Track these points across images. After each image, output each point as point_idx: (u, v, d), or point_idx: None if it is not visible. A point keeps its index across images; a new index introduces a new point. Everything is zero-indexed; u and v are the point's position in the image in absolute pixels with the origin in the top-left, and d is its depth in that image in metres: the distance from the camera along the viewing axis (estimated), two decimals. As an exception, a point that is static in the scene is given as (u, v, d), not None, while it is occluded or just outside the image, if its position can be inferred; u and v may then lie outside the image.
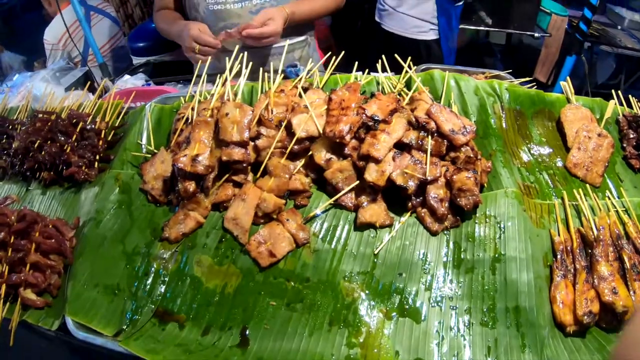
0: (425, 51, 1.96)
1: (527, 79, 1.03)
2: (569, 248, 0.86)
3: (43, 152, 1.11)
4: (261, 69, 1.00)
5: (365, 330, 0.79)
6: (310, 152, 0.88)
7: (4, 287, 0.98)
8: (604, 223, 0.87)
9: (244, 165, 0.89)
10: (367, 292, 0.81)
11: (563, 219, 0.89)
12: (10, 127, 1.24)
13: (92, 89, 1.36)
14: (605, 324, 0.84)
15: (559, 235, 0.87)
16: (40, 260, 0.99)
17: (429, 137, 0.87)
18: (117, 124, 1.14)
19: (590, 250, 0.86)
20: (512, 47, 2.86)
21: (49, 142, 1.14)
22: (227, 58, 1.00)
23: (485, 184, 0.88)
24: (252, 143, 0.90)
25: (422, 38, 1.98)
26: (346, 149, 0.86)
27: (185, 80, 1.43)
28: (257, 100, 0.95)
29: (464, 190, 0.83)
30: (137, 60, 1.75)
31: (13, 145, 1.18)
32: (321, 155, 0.87)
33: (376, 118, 0.87)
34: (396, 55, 1.02)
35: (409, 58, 1.02)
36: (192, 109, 0.97)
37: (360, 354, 0.77)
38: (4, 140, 1.23)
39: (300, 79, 0.97)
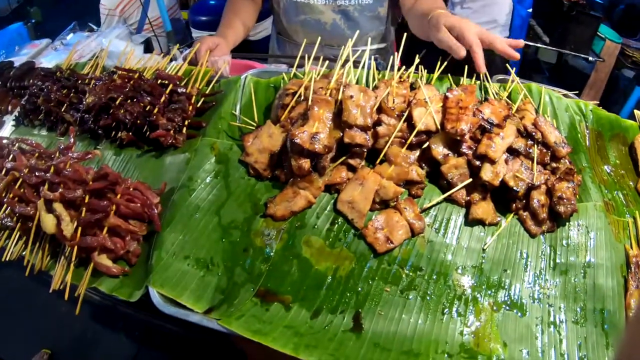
0: (489, 60, 1.92)
1: (595, 102, 1.07)
2: (639, 262, 0.91)
3: (123, 111, 0.98)
4: (374, 57, 0.95)
5: (476, 320, 0.77)
6: (427, 145, 0.85)
7: (75, 249, 0.85)
8: None
9: (364, 149, 0.83)
10: (476, 284, 0.80)
11: (635, 236, 0.93)
12: (81, 81, 1.08)
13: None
14: None
15: (632, 249, 0.91)
16: (121, 225, 0.87)
17: (536, 145, 0.87)
18: (207, 92, 1.03)
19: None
20: (562, 67, 2.74)
21: (130, 100, 1.00)
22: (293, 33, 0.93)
23: (578, 196, 0.90)
24: (373, 129, 0.85)
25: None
26: (463, 146, 0.84)
27: (254, 58, 1.33)
28: (376, 88, 0.89)
29: (563, 198, 0.84)
30: (196, 34, 1.60)
31: (85, 101, 1.03)
32: (438, 150, 0.84)
33: (492, 121, 0.85)
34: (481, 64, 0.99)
35: (512, 69, 1.00)
36: (306, 87, 0.89)
37: (472, 342, 0.75)
38: (72, 95, 1.06)
39: (410, 72, 0.93)
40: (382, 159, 0.85)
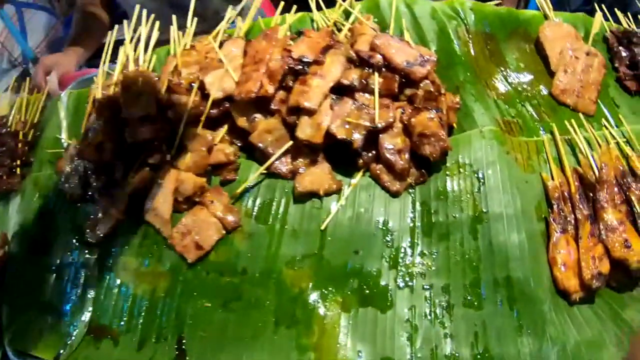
0: None
1: (495, 2, 0.73)
2: (566, 194, 0.59)
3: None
4: (172, 27, 0.71)
5: (319, 327, 0.53)
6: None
7: None
8: (606, 159, 0.59)
9: (156, 143, 0.62)
10: (316, 278, 0.55)
11: (555, 158, 0.61)
12: None
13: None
14: (616, 283, 0.57)
15: (552, 178, 0.59)
16: None
17: (376, 73, 0.58)
18: (36, 120, 0.88)
19: (592, 195, 0.58)
20: None
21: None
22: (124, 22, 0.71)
23: (455, 125, 0.60)
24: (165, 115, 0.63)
25: None
26: (272, 104, 0.59)
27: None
28: (165, 64, 0.67)
29: (427, 135, 0.55)
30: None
31: None
32: (244, 116, 0.60)
33: (305, 59, 0.59)
34: None
35: None
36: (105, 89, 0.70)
37: (314, 358, 0.52)
38: None
39: (218, 32, 0.68)
40: (181, 148, 0.63)
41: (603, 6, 0.81)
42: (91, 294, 0.64)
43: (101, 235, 0.65)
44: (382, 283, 0.54)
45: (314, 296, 0.55)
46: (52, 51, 1.58)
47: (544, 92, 0.66)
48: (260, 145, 0.59)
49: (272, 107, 0.59)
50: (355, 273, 0.55)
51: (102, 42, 1.13)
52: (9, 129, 0.84)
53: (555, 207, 0.57)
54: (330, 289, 0.55)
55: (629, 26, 0.81)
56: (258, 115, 0.59)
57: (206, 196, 0.59)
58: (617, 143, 0.63)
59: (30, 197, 0.77)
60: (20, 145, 0.83)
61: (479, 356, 0.50)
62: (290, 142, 0.58)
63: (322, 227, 0.56)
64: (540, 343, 0.51)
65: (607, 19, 0.80)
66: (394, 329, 0.52)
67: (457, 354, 0.50)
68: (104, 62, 0.72)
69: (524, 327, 0.51)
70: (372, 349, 0.51)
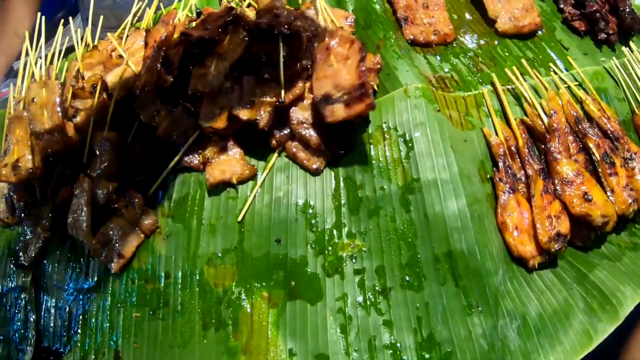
0: None
1: None
2: (513, 148, 0.46)
3: None
4: (74, 31, 0.62)
5: (247, 327, 0.44)
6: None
7: None
8: (555, 105, 0.46)
9: (65, 154, 0.54)
10: (239, 274, 0.45)
11: (498, 111, 0.49)
12: None
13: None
14: (580, 242, 0.45)
15: (496, 133, 0.47)
16: None
17: (281, 44, 0.47)
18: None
19: (543, 146, 0.46)
20: None
21: None
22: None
23: (377, 87, 0.48)
24: (71, 123, 0.54)
25: None
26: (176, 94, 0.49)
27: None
28: (68, 69, 0.58)
29: (330, 96, 0.44)
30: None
31: None
32: (147, 112, 0.50)
33: (203, 40, 0.48)
34: None
35: None
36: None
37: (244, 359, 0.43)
38: None
39: (126, 24, 0.59)
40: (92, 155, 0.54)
41: None
42: (32, 317, 0.57)
43: (32, 255, 0.57)
44: (309, 271, 0.44)
45: (238, 294, 0.45)
46: None
47: (482, 42, 0.53)
48: (170, 137, 0.49)
49: (178, 97, 0.49)
50: (279, 264, 0.44)
51: (23, 38, 0.99)
52: None
53: (500, 164, 0.45)
54: (254, 284, 0.45)
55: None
56: (159, 108, 0.50)
57: (120, 201, 0.50)
58: (569, 87, 0.50)
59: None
60: None
61: (423, 343, 0.40)
62: (197, 132, 0.48)
63: (239, 219, 0.46)
64: (495, 320, 0.39)
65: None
66: (326, 322, 0.41)
67: (398, 343, 0.40)
68: (22, 79, 0.64)
69: (473, 304, 0.40)
70: (304, 345, 0.41)
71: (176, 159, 0.48)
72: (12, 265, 0.61)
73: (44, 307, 0.56)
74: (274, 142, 0.47)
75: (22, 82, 0.64)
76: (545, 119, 0.45)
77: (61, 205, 0.55)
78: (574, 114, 0.45)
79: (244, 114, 0.45)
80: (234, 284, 0.45)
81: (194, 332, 0.46)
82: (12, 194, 0.57)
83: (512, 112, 0.48)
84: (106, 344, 0.51)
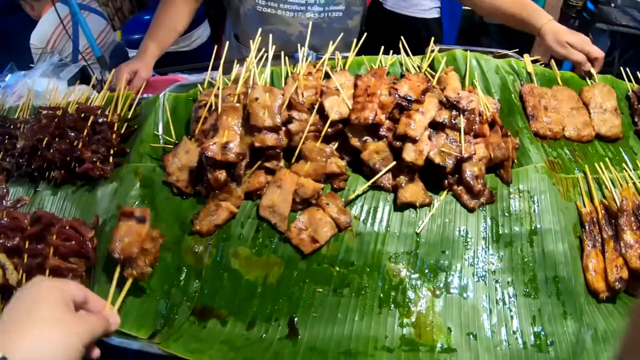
0: (426, 31, 1.90)
1: (537, 57, 1.01)
2: (594, 219, 0.85)
3: (52, 150, 0.98)
4: (282, 52, 0.92)
5: (416, 309, 0.75)
6: (344, 135, 0.81)
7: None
8: (626, 195, 0.88)
9: (277, 151, 0.82)
10: (413, 271, 0.78)
11: (587, 192, 0.89)
12: (12, 126, 1.10)
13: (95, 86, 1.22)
14: (632, 290, 0.84)
15: (584, 207, 0.85)
16: (61, 265, 0.88)
17: (461, 115, 0.82)
18: (129, 116, 1.02)
19: (614, 221, 0.85)
20: (508, 28, 2.70)
21: (57, 139, 1.01)
22: (250, 41, 0.90)
23: (516, 160, 0.84)
24: (284, 128, 0.82)
25: (423, 16, 1.94)
26: (381, 129, 0.81)
27: (189, 69, 1.31)
28: (286, 84, 0.86)
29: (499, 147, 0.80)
30: (132, 53, 1.58)
31: (17, 145, 1.04)
32: (356, 137, 0.81)
33: (409, 98, 0.82)
34: (402, 38, 0.96)
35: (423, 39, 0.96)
36: (216, 95, 0.87)
37: (414, 332, 0.73)
38: (6, 141, 1.08)
39: (324, 61, 0.90)
40: (298, 157, 0.82)
41: (628, 69, 1.12)
42: (197, 278, 0.79)
43: (213, 225, 0.81)
44: (464, 277, 0.77)
45: (411, 285, 0.76)
46: (107, 52, 1.71)
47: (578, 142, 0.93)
48: (370, 162, 0.80)
49: (381, 132, 0.80)
50: (443, 268, 0.78)
51: (178, 34, 1.29)
52: (105, 120, 0.97)
53: (587, 228, 0.84)
54: (424, 279, 0.76)
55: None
56: (368, 138, 0.80)
57: (322, 199, 0.79)
58: (634, 183, 0.90)
59: (131, 185, 0.92)
60: (114, 136, 0.97)
61: (537, 333, 0.74)
62: (394, 163, 0.79)
63: (418, 231, 0.78)
64: (580, 326, 0.76)
65: (629, 80, 1.13)
66: (475, 311, 0.74)
67: (521, 331, 0.73)
68: (218, 74, 0.90)
69: (568, 312, 0.76)
70: (459, 325, 0.74)
71: (375, 178, 0.79)
72: (180, 230, 0.83)
73: (214, 272, 0.78)
74: (446, 183, 0.80)
75: (220, 78, 0.90)
76: (618, 203, 0.84)
77: (254, 190, 0.81)
78: (637, 202, 0.85)
79: (438, 159, 0.78)
80: (408, 277, 0.75)
81: (371, 309, 0.75)
82: (208, 169, 0.80)
83: (596, 195, 0.87)
84: (282, 311, 0.77)
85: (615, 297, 0.83)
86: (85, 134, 1.02)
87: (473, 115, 0.86)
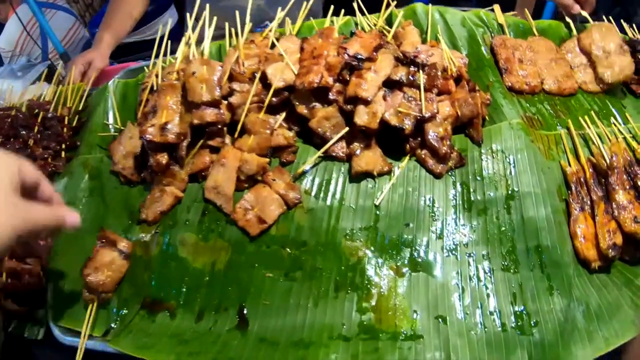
0: None
1: (512, 13, 0.86)
2: (582, 179, 0.70)
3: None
4: (227, 23, 0.80)
5: (377, 291, 0.62)
6: (292, 104, 0.69)
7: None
8: (616, 150, 0.72)
9: (219, 126, 0.70)
10: (372, 249, 0.64)
11: (571, 149, 0.74)
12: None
13: (57, 81, 1.14)
14: (628, 257, 0.69)
15: (570, 166, 0.71)
16: (16, 266, 0.78)
17: (420, 71, 0.69)
18: (80, 108, 0.93)
19: (604, 180, 0.70)
20: None
21: (12, 139, 0.93)
22: (187, 14, 0.79)
23: (487, 118, 0.71)
24: (225, 101, 0.71)
25: None
26: (331, 94, 0.68)
27: (149, 56, 1.21)
28: (226, 55, 0.75)
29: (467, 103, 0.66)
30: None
31: (-21, 148, 0.96)
32: (303, 104, 0.68)
33: (360, 56, 0.69)
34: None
35: None
36: (156, 75, 0.77)
37: (374, 318, 0.60)
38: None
39: (271, 28, 0.78)
40: (242, 131, 0.70)
41: (610, 17, 0.95)
42: (146, 269, 0.69)
43: (158, 212, 0.70)
44: (431, 251, 0.64)
45: (371, 264, 0.63)
46: (72, 51, 1.64)
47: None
48: (320, 130, 0.68)
49: (330, 97, 0.68)
50: (407, 243, 0.64)
51: (134, 21, 1.19)
52: (55, 114, 0.88)
53: (573, 189, 0.69)
54: (385, 257, 0.64)
55: (634, 36, 0.97)
56: (316, 104, 0.68)
57: (269, 175, 0.67)
58: (625, 138, 0.76)
59: (80, 178, 0.82)
60: (65, 129, 0.88)
61: (518, 312, 0.60)
62: (347, 129, 0.67)
63: (377, 203, 0.65)
64: (568, 302, 0.61)
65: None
66: (444, 290, 0.61)
67: (499, 311, 0.59)
68: (160, 54, 0.80)
69: (554, 287, 0.61)
70: (426, 308, 0.61)
71: (326, 147, 0.67)
72: (128, 220, 0.73)
73: (161, 261, 0.68)
74: (408, 147, 0.67)
75: (159, 57, 0.79)
76: (607, 160, 0.69)
77: (198, 171, 0.70)
78: (628, 158, 0.70)
79: (394, 120, 0.65)
80: (367, 255, 0.63)
81: (327, 293, 0.63)
82: (149, 152, 0.70)
83: (582, 152, 0.72)
84: (231, 299, 0.66)
85: (609, 266, 0.67)
86: (36, 130, 0.95)
87: (435, 70, 0.72)
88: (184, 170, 0.73)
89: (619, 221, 0.67)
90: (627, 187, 0.69)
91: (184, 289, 0.69)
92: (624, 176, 0.69)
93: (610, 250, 0.65)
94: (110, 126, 0.89)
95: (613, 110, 0.81)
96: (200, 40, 0.79)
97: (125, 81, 0.92)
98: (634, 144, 0.74)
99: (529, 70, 0.78)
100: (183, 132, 0.71)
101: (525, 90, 0.77)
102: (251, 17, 0.84)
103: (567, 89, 0.79)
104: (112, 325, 0.70)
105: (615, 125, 0.77)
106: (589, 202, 0.70)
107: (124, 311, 0.70)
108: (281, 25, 0.83)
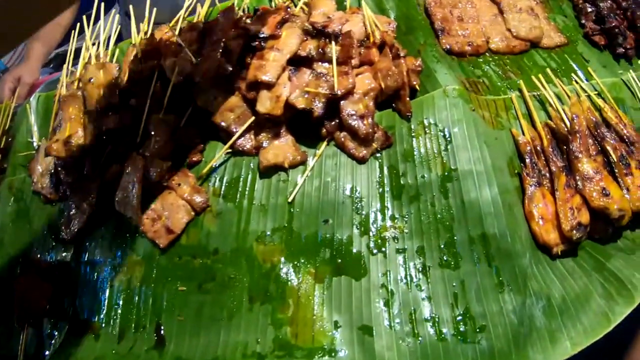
0: None
1: None
2: (538, 148, 0.55)
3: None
4: (131, 20, 0.69)
5: (293, 301, 0.50)
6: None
7: None
8: (577, 110, 0.55)
9: (121, 132, 0.60)
10: (287, 251, 0.52)
11: (525, 114, 0.57)
12: None
13: None
14: (598, 235, 0.53)
15: (523, 133, 0.55)
16: None
17: (333, 42, 0.55)
18: (6, 128, 0.86)
19: (565, 147, 0.54)
20: None
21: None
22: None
23: (418, 87, 0.56)
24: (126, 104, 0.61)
25: None
26: (235, 82, 0.56)
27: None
28: (125, 54, 0.65)
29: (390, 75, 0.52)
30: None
31: None
32: (202, 97, 0.57)
33: (261, 35, 0.56)
34: None
35: None
36: (63, 86, 0.68)
37: (290, 332, 0.48)
38: None
39: (178, 18, 0.67)
40: (146, 134, 0.60)
41: None
42: (70, 291, 0.62)
43: (75, 230, 0.62)
44: (354, 250, 0.50)
45: (286, 269, 0.51)
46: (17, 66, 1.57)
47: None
48: (223, 123, 0.56)
49: (235, 85, 0.56)
50: (326, 243, 0.51)
51: (64, 28, 1.09)
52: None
53: (527, 161, 0.53)
54: (302, 260, 0.51)
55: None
56: (217, 95, 0.57)
57: (173, 179, 0.56)
58: (589, 96, 0.59)
59: (6, 202, 0.74)
60: (-7, 153, 0.82)
61: (460, 317, 0.46)
62: (252, 118, 0.55)
63: (290, 200, 0.53)
64: (523, 298, 0.47)
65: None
66: (370, 296, 0.48)
67: (436, 316, 0.46)
68: (68, 62, 0.71)
69: (504, 283, 0.47)
70: (349, 318, 0.48)
71: (230, 142, 0.55)
72: (51, 240, 0.66)
73: (83, 281, 0.60)
74: (324, 131, 0.55)
75: (68, 65, 0.71)
76: (568, 123, 0.53)
77: (109, 183, 0.61)
78: (593, 119, 0.54)
79: (300, 103, 0.52)
80: (282, 260, 0.51)
81: (240, 305, 0.51)
82: (59, 169, 0.63)
83: (537, 116, 0.56)
84: (148, 317, 0.56)
85: (575, 248, 0.51)
86: (-38, 157, 0.89)
87: (349, 40, 0.58)
88: (95, 183, 0.64)
89: (584, 195, 0.50)
90: (593, 153, 0.52)
91: (104, 309, 0.61)
92: (589, 140, 0.53)
93: (574, 232, 0.49)
94: (35, 144, 0.82)
95: (574, 65, 0.63)
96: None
97: (46, 94, 0.83)
98: (599, 102, 0.57)
99: (471, 29, 0.62)
100: (88, 143, 0.62)
101: (468, 52, 0.61)
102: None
103: (517, 46, 0.62)
104: (46, 352, 0.64)
105: (577, 82, 0.59)
106: (547, 175, 0.53)
107: (55, 334, 0.64)
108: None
